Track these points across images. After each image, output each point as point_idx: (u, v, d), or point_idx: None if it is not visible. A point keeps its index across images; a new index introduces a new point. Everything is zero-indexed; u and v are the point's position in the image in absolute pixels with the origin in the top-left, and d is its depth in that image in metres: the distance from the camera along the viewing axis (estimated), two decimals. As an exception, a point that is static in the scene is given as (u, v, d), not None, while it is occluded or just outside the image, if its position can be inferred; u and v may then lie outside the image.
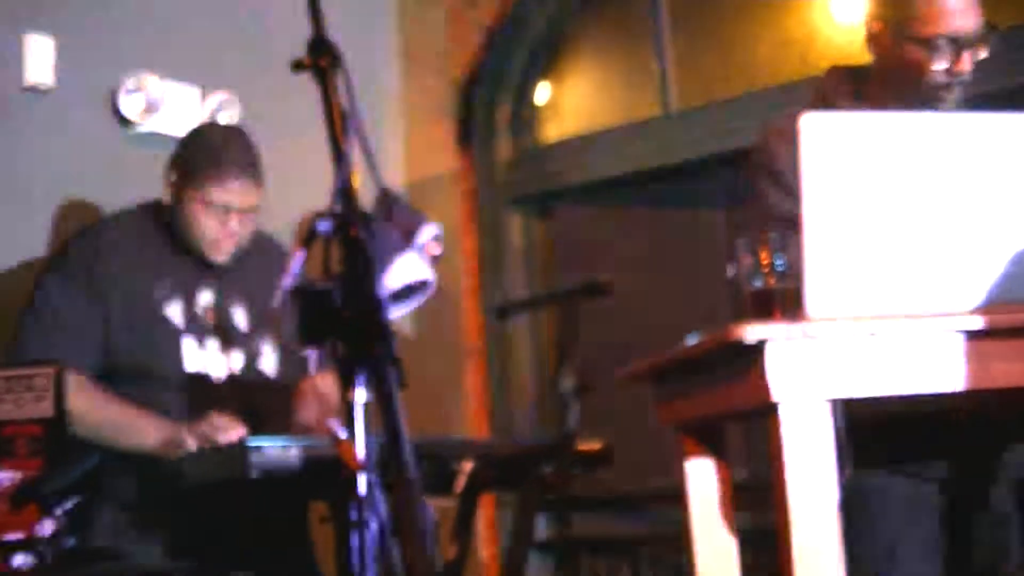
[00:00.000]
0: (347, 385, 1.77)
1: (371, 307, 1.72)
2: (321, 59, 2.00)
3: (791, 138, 3.04)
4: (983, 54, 3.01)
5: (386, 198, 1.97)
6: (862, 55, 3.19)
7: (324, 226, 1.82)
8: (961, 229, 2.48)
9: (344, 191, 1.84)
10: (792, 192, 3.02)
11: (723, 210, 5.02)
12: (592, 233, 5.35)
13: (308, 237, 1.85)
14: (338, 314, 1.77)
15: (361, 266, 1.77)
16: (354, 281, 1.76)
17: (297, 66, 2.00)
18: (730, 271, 4.02)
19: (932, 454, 2.93)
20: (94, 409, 3.26)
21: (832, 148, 2.44)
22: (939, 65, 2.98)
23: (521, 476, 3.42)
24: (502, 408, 5.25)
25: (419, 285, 1.93)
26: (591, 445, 3.57)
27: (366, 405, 1.75)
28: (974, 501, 2.94)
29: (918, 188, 2.47)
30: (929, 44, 2.98)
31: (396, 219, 1.93)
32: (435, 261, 1.98)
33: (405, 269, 1.91)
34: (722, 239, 4.96)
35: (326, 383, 3.71)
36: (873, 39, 3.10)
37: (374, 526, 1.75)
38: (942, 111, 2.99)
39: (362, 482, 1.76)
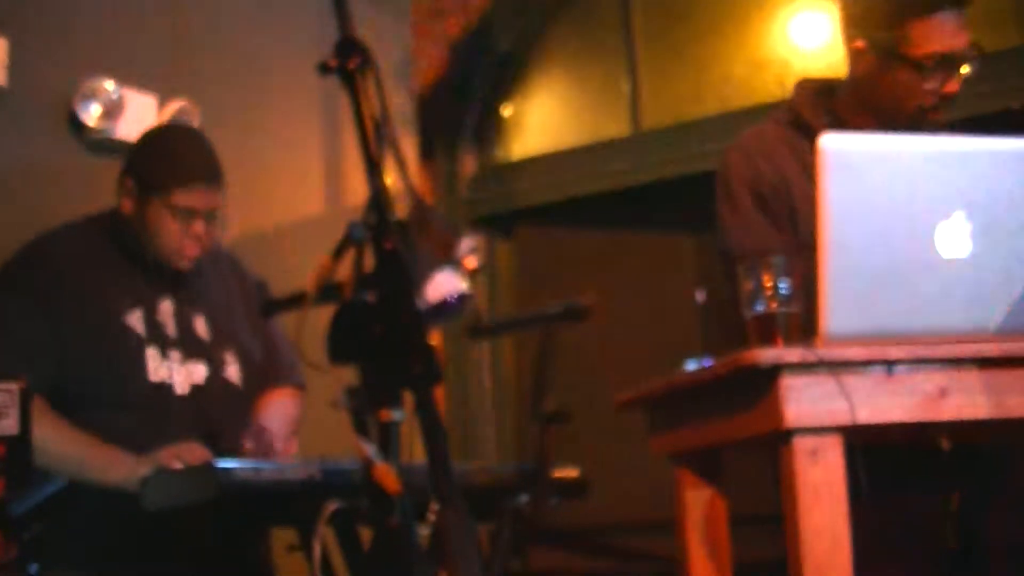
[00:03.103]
0: (383, 404, 1.63)
1: (410, 323, 1.59)
2: (349, 61, 1.85)
3: (767, 153, 3.00)
4: (970, 72, 2.93)
5: (421, 209, 1.85)
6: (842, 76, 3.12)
7: (358, 236, 1.68)
8: (981, 254, 2.41)
9: (378, 201, 1.70)
10: (777, 217, 2.94)
11: (692, 233, 4.93)
12: (557, 254, 5.25)
13: (340, 247, 1.72)
14: (375, 330, 1.64)
15: (398, 280, 1.64)
16: (391, 295, 1.63)
17: (323, 68, 1.85)
18: (699, 296, 3.94)
19: (926, 484, 2.85)
20: (53, 440, 3.10)
21: (851, 169, 2.37)
22: (930, 85, 2.90)
23: (495, 506, 3.30)
24: (462, 433, 5.14)
25: (456, 300, 1.81)
26: (567, 473, 3.45)
27: (398, 426, 1.63)
28: (969, 529, 2.87)
29: (938, 212, 2.40)
30: (920, 65, 2.88)
31: (432, 231, 1.80)
32: (473, 275, 1.86)
33: (443, 284, 1.78)
34: (691, 263, 4.88)
35: (281, 400, 3.60)
36: (854, 57, 3.00)
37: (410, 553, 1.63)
38: (926, 132, 2.92)
39: (398, 508, 1.63)
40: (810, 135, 2.85)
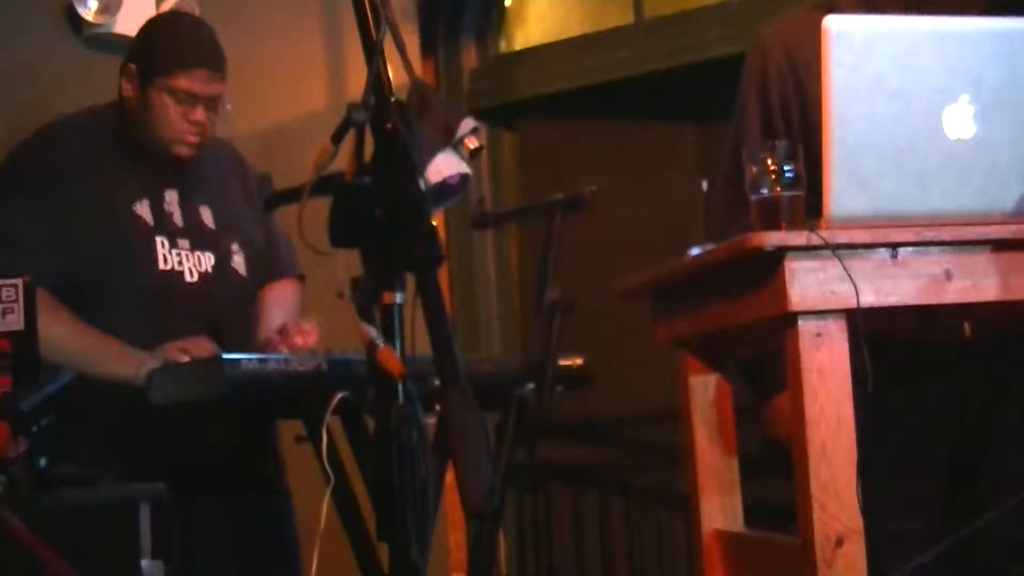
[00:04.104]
0: (385, 287, 1.63)
1: (412, 205, 1.58)
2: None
3: (785, 41, 2.95)
4: None
5: (421, 91, 1.83)
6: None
7: (358, 118, 1.66)
8: (989, 136, 2.39)
9: (377, 82, 1.68)
10: (775, 121, 2.91)
11: (695, 122, 4.90)
12: (559, 144, 5.22)
13: (340, 129, 1.70)
14: (376, 212, 1.63)
15: (399, 161, 1.63)
16: (392, 177, 1.62)
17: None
18: (703, 185, 3.92)
19: (938, 375, 2.84)
20: (60, 334, 3.12)
21: (856, 50, 2.34)
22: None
23: (501, 397, 3.31)
24: (466, 324, 5.15)
25: (457, 182, 1.80)
26: (572, 363, 3.46)
27: (402, 308, 1.63)
28: (980, 423, 2.87)
29: (944, 93, 2.37)
30: None
31: (432, 112, 1.79)
32: (474, 156, 1.85)
33: (443, 165, 1.77)
34: (694, 152, 4.86)
35: (285, 292, 3.61)
36: None
37: (413, 437, 1.63)
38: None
39: (401, 390, 1.63)
40: None
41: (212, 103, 3.35)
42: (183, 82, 3.31)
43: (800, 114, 2.89)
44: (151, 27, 3.51)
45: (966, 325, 2.68)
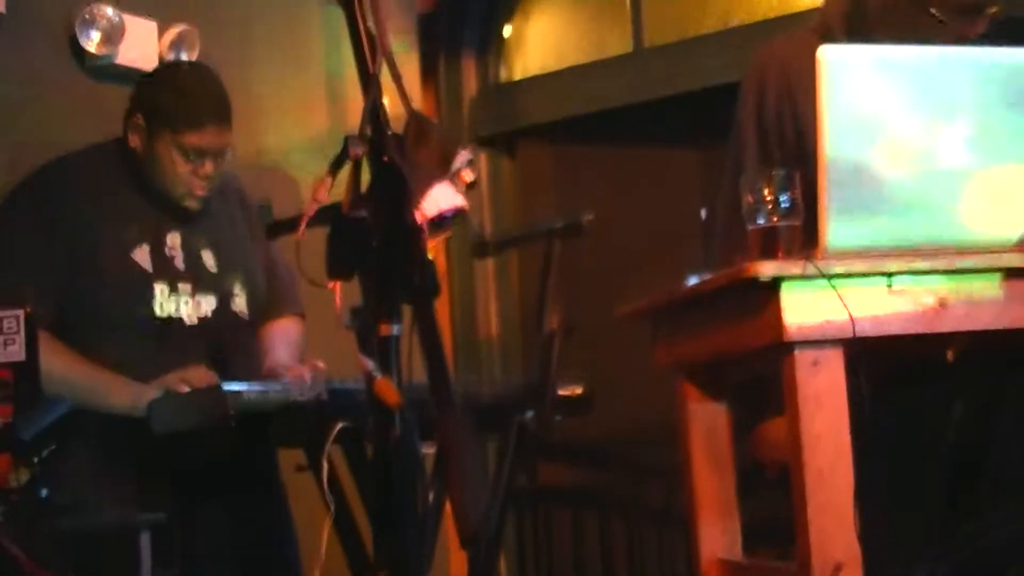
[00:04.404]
0: (381, 319, 1.64)
1: (408, 237, 1.60)
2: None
3: (782, 62, 2.98)
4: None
5: (418, 122, 1.85)
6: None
7: (354, 150, 1.68)
8: (983, 165, 2.41)
9: (374, 114, 1.70)
10: (769, 139, 2.94)
11: (695, 149, 4.92)
12: (560, 172, 5.24)
13: (337, 162, 1.72)
14: (372, 244, 1.65)
15: (396, 193, 1.65)
16: (389, 209, 1.64)
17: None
18: (703, 213, 3.94)
19: (937, 378, 2.85)
20: (58, 369, 3.12)
21: (852, 80, 2.36)
22: (952, 30, 2.82)
23: (501, 422, 3.32)
24: (467, 349, 5.16)
25: (452, 214, 1.82)
26: (572, 389, 3.47)
27: (398, 340, 1.64)
28: (979, 423, 2.88)
29: (940, 122, 2.39)
30: (948, 7, 2.82)
31: (429, 144, 1.80)
32: (469, 188, 1.87)
33: (439, 198, 1.79)
34: (693, 179, 4.88)
35: (287, 329, 3.62)
36: None
37: (410, 466, 1.65)
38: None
39: (399, 421, 1.64)
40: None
41: (220, 155, 3.37)
42: (192, 139, 3.31)
43: (795, 138, 2.92)
44: (157, 79, 3.49)
45: (949, 352, 2.70)
